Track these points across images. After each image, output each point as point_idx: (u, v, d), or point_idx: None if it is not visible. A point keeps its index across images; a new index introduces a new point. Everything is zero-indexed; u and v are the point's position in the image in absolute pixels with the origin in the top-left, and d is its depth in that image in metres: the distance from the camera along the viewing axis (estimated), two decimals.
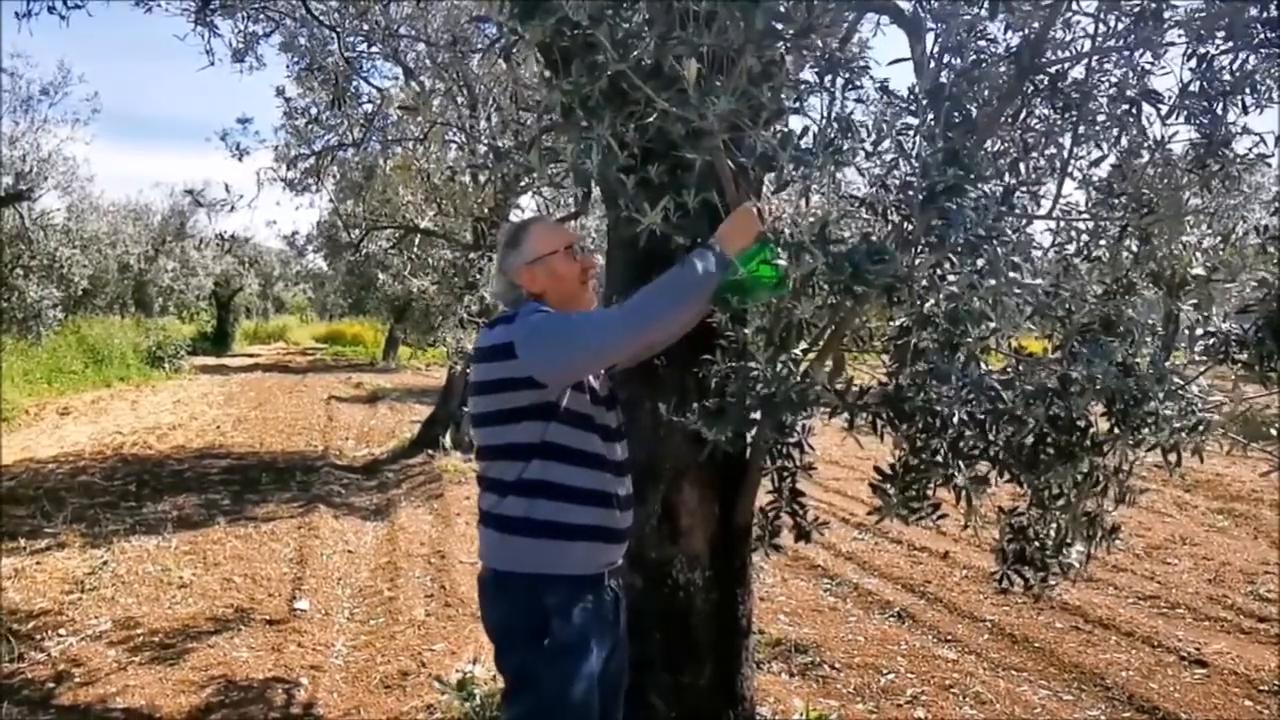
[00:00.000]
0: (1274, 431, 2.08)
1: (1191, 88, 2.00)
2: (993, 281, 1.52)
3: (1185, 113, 2.03)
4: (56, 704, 3.49)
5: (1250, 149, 2.04)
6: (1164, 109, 2.03)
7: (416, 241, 7.98)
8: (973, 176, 1.61)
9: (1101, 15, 1.95)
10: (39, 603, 4.61)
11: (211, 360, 21.14)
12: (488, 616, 2.04)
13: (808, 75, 1.99)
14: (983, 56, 1.91)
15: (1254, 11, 1.91)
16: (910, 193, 1.63)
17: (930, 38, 1.92)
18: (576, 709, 1.89)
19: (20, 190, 13.28)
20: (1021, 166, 2.08)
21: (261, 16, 5.13)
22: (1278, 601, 4.78)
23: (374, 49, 5.56)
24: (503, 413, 1.92)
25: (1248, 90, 1.98)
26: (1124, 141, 2.10)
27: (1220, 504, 7.00)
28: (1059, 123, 2.09)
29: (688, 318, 1.86)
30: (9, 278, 13.92)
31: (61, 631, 4.22)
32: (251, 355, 23.96)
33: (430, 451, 9.03)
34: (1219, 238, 2.26)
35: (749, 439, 2.52)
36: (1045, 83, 2.00)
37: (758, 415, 2.09)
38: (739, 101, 1.51)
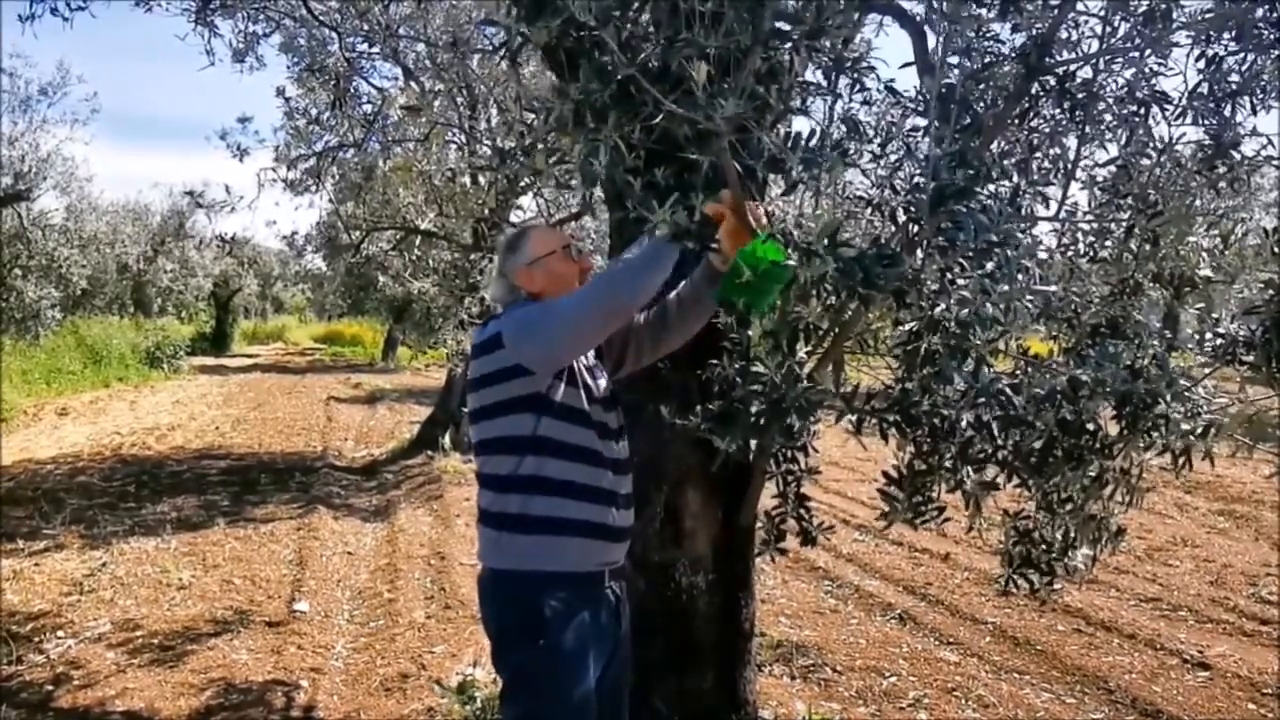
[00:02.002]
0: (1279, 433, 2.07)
1: (1200, 89, 2.00)
2: (1006, 286, 1.51)
3: (1193, 114, 2.03)
4: (55, 707, 3.48)
5: (1259, 150, 2.03)
6: (1171, 110, 2.02)
7: (417, 243, 7.96)
8: (982, 178, 1.60)
9: (1109, 16, 1.94)
10: (37, 605, 4.60)
11: (210, 361, 21.13)
12: (485, 616, 2.03)
13: (813, 77, 1.98)
14: (990, 57, 1.90)
15: (1261, 12, 1.90)
16: (919, 194, 1.62)
17: (936, 38, 1.91)
18: (574, 710, 1.88)
19: (19, 190, 13.26)
20: (1029, 167, 2.07)
21: (261, 16, 5.12)
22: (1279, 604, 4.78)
23: (374, 49, 5.56)
24: (496, 405, 1.94)
25: (1255, 91, 1.97)
26: (1131, 143, 2.09)
27: (1221, 506, 7.00)
28: (1065, 124, 2.08)
29: (649, 286, 1.86)
30: (8, 278, 13.90)
31: (60, 634, 4.21)
32: (250, 356, 23.94)
33: (430, 452, 9.02)
34: (1218, 239, 2.25)
35: (753, 443, 2.51)
36: (1053, 84, 1.99)
37: (765, 421, 2.07)
38: (746, 103, 1.49)
